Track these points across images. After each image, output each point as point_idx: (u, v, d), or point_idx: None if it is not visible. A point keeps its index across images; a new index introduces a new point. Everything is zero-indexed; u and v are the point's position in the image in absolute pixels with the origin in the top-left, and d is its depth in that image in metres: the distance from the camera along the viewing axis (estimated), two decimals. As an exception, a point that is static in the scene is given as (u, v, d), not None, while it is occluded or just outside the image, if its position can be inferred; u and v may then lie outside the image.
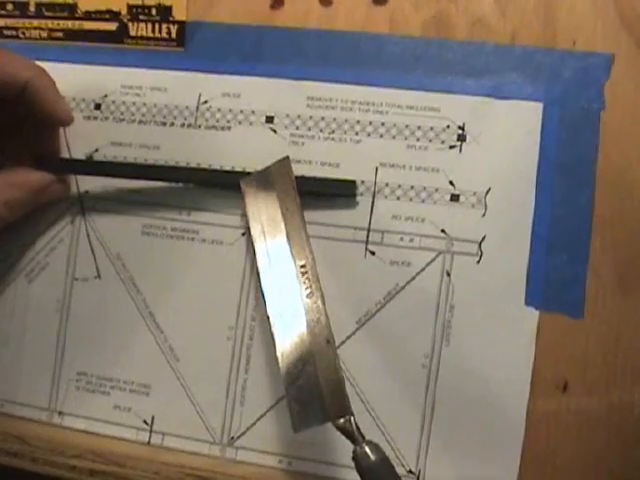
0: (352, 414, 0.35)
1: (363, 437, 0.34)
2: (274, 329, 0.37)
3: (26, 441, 0.42)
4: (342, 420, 0.35)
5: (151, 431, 0.42)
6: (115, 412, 0.42)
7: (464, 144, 0.40)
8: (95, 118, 0.45)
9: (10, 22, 0.46)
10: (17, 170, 0.40)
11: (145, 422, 0.42)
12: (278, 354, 0.36)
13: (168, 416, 0.42)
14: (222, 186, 0.41)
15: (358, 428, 0.35)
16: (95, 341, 0.43)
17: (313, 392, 0.35)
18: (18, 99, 0.39)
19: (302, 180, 0.40)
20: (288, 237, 0.38)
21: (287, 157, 0.39)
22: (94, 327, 0.43)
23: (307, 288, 0.37)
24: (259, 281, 0.38)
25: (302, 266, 0.37)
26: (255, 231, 0.39)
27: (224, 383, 0.41)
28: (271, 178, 0.40)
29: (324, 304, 0.36)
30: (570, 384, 0.38)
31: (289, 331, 0.37)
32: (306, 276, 0.37)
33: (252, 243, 0.39)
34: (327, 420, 0.35)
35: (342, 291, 0.40)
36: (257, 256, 0.38)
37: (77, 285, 0.43)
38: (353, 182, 0.40)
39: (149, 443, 0.42)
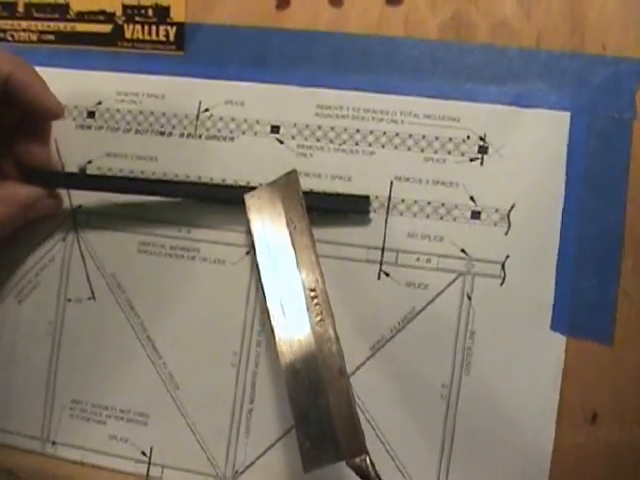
0: (367, 452, 0.32)
1: (379, 478, 0.32)
2: (282, 358, 0.34)
3: (17, 473, 0.40)
4: (357, 459, 0.32)
5: (150, 463, 0.40)
6: (111, 442, 0.40)
7: (486, 156, 0.37)
8: (88, 127, 0.42)
9: (-2, 23, 0.43)
10: (4, 184, 0.38)
11: (143, 453, 0.40)
12: (286, 385, 0.34)
13: (168, 447, 0.39)
14: (224, 201, 0.39)
15: (374, 467, 0.32)
16: (90, 366, 0.41)
17: (325, 428, 0.33)
18: (3, 94, 0.36)
19: (311, 195, 0.37)
20: (296, 258, 0.35)
21: (294, 170, 0.37)
22: (88, 351, 0.41)
23: (317, 315, 0.34)
24: (265, 305, 0.35)
25: (312, 290, 0.35)
26: (260, 250, 0.36)
27: (228, 413, 0.39)
28: (277, 193, 0.37)
29: (336, 332, 0.34)
30: (599, 415, 0.36)
31: (298, 361, 0.34)
32: (316, 301, 0.34)
33: (257, 263, 0.36)
34: (340, 459, 0.32)
35: (354, 315, 0.38)
36: (262, 278, 0.36)
37: (70, 306, 0.41)
38: (366, 197, 0.38)
39: (148, 476, 0.40)
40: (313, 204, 0.37)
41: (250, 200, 0.38)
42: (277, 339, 0.35)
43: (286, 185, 0.37)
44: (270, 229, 0.37)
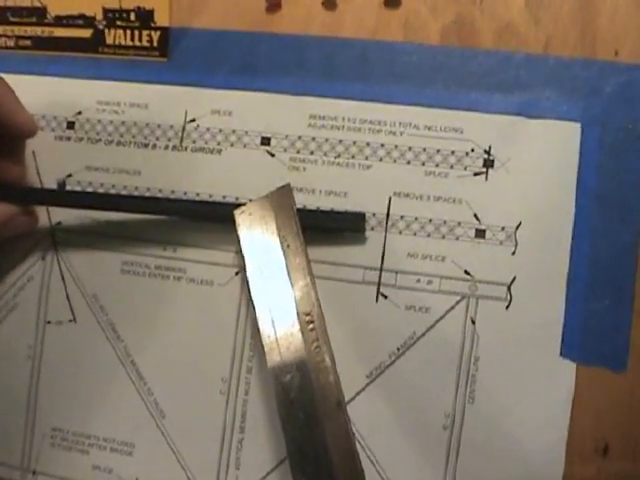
0: (366, 490, 0.30)
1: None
2: (275, 387, 0.32)
3: (-5, 506, 0.38)
4: (356, 498, 0.30)
5: (135, 495, 0.37)
6: (95, 473, 0.38)
7: (491, 170, 0.35)
8: (68, 139, 0.40)
9: (-29, 28, 0.41)
10: None
11: (128, 485, 0.37)
12: (279, 416, 0.32)
13: (154, 478, 0.37)
14: (213, 219, 0.36)
15: (373, 507, 0.30)
16: (71, 393, 0.39)
17: (322, 463, 0.31)
18: None
19: (303, 212, 0.35)
20: (290, 279, 0.33)
21: (288, 185, 0.35)
22: (70, 377, 0.39)
23: (313, 341, 0.32)
24: (256, 330, 0.33)
25: (307, 314, 0.33)
26: (251, 271, 0.34)
27: (217, 443, 0.37)
28: (269, 209, 0.35)
29: (333, 361, 0.32)
30: (611, 447, 0.34)
31: (292, 390, 0.32)
32: (312, 326, 0.32)
33: (247, 284, 0.34)
34: None
35: (350, 340, 0.36)
36: (254, 301, 0.34)
37: (50, 329, 0.39)
38: (362, 215, 0.35)
39: (133, 508, 0.37)
40: (305, 221, 0.35)
41: (240, 217, 0.35)
42: (269, 366, 0.33)
43: (279, 200, 0.35)
44: (262, 248, 0.34)
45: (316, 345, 0.32)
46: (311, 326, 0.33)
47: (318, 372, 0.32)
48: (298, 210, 0.35)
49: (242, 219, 0.35)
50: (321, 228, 0.36)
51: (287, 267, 0.34)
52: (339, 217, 0.36)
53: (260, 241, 0.34)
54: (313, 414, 0.32)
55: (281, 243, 0.34)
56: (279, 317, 0.33)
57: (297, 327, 0.33)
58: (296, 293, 0.33)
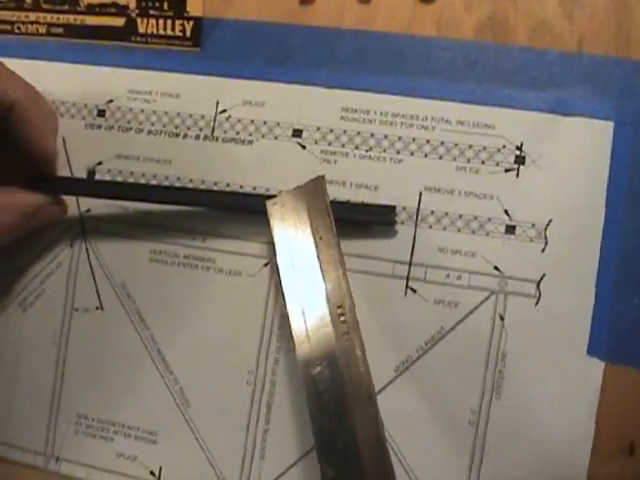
0: (395, 484, 0.30)
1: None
2: (304, 377, 0.32)
3: (19, 492, 0.38)
4: (384, 492, 0.30)
5: (158, 484, 0.37)
6: (119, 460, 0.38)
7: (522, 167, 0.35)
8: (98, 127, 0.40)
9: (4, 15, 0.41)
10: (5, 191, 0.35)
11: (152, 473, 0.38)
12: (308, 407, 0.32)
13: (177, 467, 0.37)
14: (243, 210, 0.36)
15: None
16: (96, 380, 0.39)
17: (351, 457, 0.31)
18: (2, 120, 0.35)
19: (334, 205, 0.35)
20: (322, 271, 0.33)
21: (322, 177, 0.34)
22: (95, 364, 0.39)
23: (344, 333, 0.32)
24: (285, 320, 0.33)
25: (338, 306, 0.32)
26: (282, 262, 0.34)
27: (242, 433, 0.37)
28: (303, 200, 0.35)
29: (364, 353, 0.32)
30: (638, 446, 0.34)
31: (322, 381, 0.32)
32: (343, 318, 0.32)
33: (278, 275, 0.34)
34: None
35: (378, 333, 0.36)
36: (284, 292, 0.34)
37: (77, 316, 0.39)
38: (392, 208, 0.35)
39: (156, 497, 0.37)
40: (335, 213, 0.34)
41: (272, 207, 0.35)
42: (299, 358, 0.33)
43: (312, 192, 0.35)
44: (293, 239, 0.34)
45: (347, 337, 0.32)
46: (342, 318, 0.33)
47: (349, 364, 0.32)
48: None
49: (274, 210, 0.35)
50: (352, 221, 0.36)
51: (319, 259, 0.34)
52: (368, 210, 0.36)
53: (292, 232, 0.34)
54: (343, 406, 0.32)
55: (313, 235, 0.34)
56: (310, 308, 0.33)
57: (328, 319, 0.33)
58: (327, 285, 0.33)
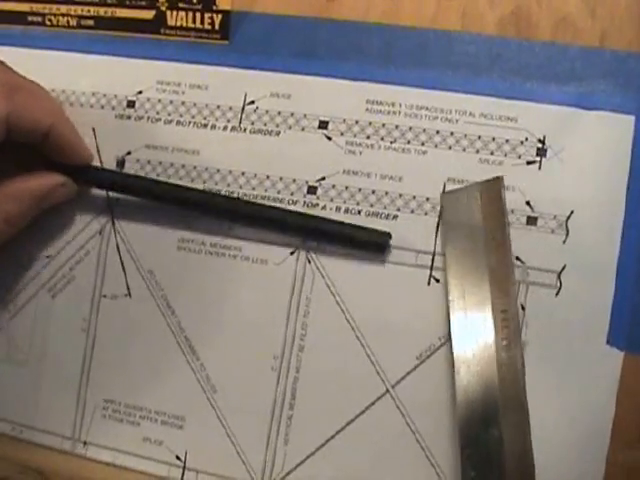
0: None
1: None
2: (457, 377, 0.33)
3: (45, 473, 0.39)
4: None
5: (184, 468, 0.38)
6: (145, 445, 0.39)
7: (544, 160, 0.36)
8: (128, 117, 0.41)
9: (36, 7, 0.42)
10: (14, 178, 0.36)
11: (178, 457, 0.38)
12: (457, 405, 0.33)
13: (203, 452, 0.38)
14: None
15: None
16: (124, 365, 0.39)
17: (493, 462, 0.31)
18: (40, 144, 0.36)
19: (327, 222, 0.37)
20: (491, 274, 0.34)
21: (500, 178, 0.35)
22: (123, 350, 0.39)
23: (504, 339, 0.32)
24: (448, 322, 0.34)
25: (503, 311, 0.33)
26: (450, 258, 0.35)
27: (266, 418, 0.37)
28: (477, 198, 0.35)
29: (523, 364, 0.32)
30: None
31: (475, 384, 0.32)
32: (505, 324, 0.33)
33: (445, 266, 0.35)
34: None
35: (401, 322, 0.36)
36: (448, 284, 0.34)
37: (105, 303, 0.40)
38: (387, 234, 0.36)
39: (182, 481, 0.38)
40: (329, 230, 0.36)
41: (447, 201, 0.36)
42: (455, 356, 0.33)
43: (488, 192, 0.35)
44: (464, 237, 0.35)
45: (507, 343, 0.32)
46: (505, 323, 0.33)
47: (505, 372, 0.32)
48: (323, 219, 0.36)
49: (449, 203, 0.36)
50: (343, 240, 0.36)
51: (489, 262, 0.34)
52: (363, 233, 0.36)
53: (466, 229, 0.35)
54: (492, 411, 0.32)
55: (486, 234, 0.34)
56: (473, 309, 0.34)
57: (491, 323, 0.33)
58: (494, 288, 0.33)
